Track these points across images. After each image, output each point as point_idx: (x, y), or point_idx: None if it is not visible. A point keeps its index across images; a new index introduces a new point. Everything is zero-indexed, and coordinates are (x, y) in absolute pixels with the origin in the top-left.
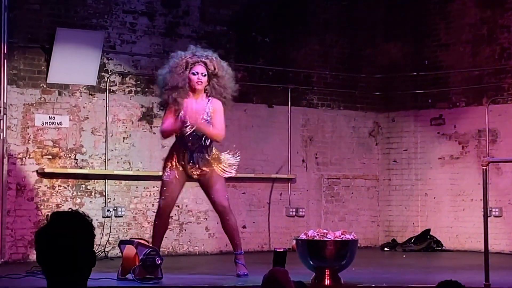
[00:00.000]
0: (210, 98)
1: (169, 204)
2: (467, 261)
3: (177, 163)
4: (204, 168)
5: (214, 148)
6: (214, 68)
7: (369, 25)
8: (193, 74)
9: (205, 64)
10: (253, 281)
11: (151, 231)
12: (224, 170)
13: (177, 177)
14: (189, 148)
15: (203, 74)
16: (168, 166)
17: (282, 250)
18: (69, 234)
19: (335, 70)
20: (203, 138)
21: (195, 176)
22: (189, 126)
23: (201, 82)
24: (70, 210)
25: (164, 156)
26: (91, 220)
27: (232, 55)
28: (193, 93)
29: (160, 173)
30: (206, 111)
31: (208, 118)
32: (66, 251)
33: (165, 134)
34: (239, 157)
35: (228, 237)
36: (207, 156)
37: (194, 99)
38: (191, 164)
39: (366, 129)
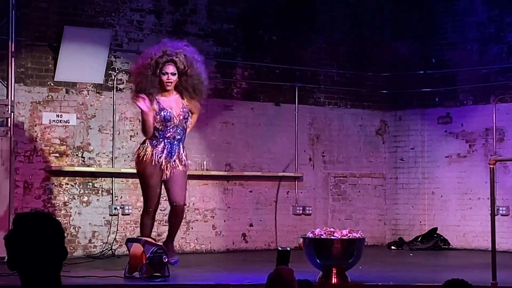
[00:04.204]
0: (183, 97)
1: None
2: (474, 259)
3: (155, 159)
4: (178, 165)
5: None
6: (184, 67)
7: (376, 24)
8: (163, 74)
9: (175, 63)
10: (258, 279)
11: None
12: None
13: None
14: (169, 142)
15: (173, 74)
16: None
17: (285, 249)
18: (32, 233)
19: (342, 69)
20: (182, 132)
21: (168, 173)
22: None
23: (171, 83)
24: (32, 210)
25: None
26: (55, 217)
27: (239, 53)
28: (164, 92)
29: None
30: (182, 108)
31: (186, 114)
32: (32, 250)
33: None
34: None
35: (172, 226)
36: (182, 152)
37: (167, 97)
38: (168, 159)
39: (373, 128)
